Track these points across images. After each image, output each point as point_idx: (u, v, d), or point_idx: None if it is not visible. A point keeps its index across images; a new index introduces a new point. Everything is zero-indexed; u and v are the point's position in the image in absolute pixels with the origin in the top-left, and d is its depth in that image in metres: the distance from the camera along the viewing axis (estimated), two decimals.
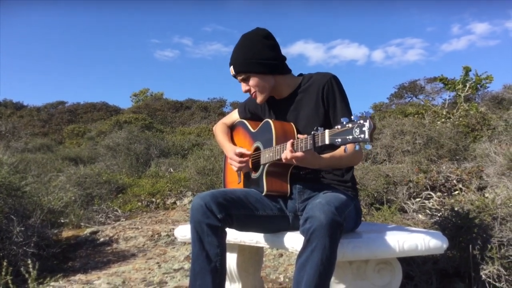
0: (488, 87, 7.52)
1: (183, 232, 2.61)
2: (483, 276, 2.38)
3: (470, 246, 2.43)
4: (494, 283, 2.37)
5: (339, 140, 1.65)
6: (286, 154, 1.88)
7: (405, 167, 5.09)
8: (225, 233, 2.03)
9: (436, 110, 7.13)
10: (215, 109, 27.27)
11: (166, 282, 3.56)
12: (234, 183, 2.47)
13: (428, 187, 4.99)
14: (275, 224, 2.16)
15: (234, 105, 28.46)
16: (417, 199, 4.96)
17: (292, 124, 2.20)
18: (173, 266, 4.00)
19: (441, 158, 5.16)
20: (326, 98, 2.13)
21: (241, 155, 2.26)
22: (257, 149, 2.27)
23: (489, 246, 2.40)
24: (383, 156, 5.50)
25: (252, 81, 2.19)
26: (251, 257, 2.70)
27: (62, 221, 6.29)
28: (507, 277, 2.37)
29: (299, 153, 1.86)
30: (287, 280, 3.43)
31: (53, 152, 12.90)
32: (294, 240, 1.98)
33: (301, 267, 1.73)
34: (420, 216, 4.53)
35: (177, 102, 30.73)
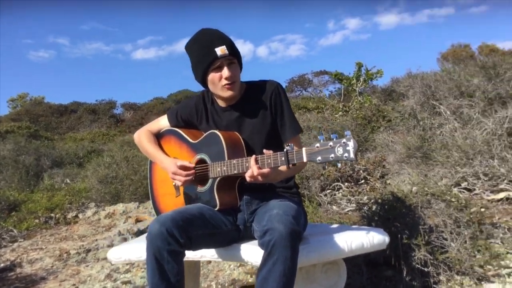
0: (377, 80, 8.17)
1: (118, 254, 2.46)
2: (413, 262, 2.56)
3: (399, 236, 2.61)
4: (422, 268, 2.57)
5: (320, 158, 1.68)
6: (253, 171, 1.84)
7: None
8: (184, 256, 1.93)
9: (334, 104, 7.55)
10: (104, 111, 26.08)
11: None
12: (170, 196, 2.36)
13: (338, 178, 5.24)
14: (228, 237, 2.11)
15: (125, 106, 27.44)
16: (328, 191, 5.20)
17: (238, 134, 2.17)
18: (93, 287, 3.76)
19: None
20: (274, 106, 2.14)
21: (184, 168, 2.17)
22: (200, 161, 2.20)
23: (416, 234, 2.59)
24: None
25: (235, 70, 2.11)
26: (190, 271, 2.63)
27: None
28: (432, 261, 2.58)
29: (265, 170, 1.85)
30: (219, 286, 3.40)
31: None
32: (250, 253, 1.96)
33: (263, 281, 1.72)
34: (334, 207, 4.76)
35: (61, 106, 28.96)
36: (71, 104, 29.38)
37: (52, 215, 7.25)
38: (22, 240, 6.31)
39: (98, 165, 8.47)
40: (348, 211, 4.56)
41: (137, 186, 7.53)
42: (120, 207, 7.21)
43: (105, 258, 4.90)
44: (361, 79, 7.43)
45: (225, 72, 2.07)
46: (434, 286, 2.59)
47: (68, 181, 9.14)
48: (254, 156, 1.87)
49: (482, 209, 3.76)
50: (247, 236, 2.15)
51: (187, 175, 2.13)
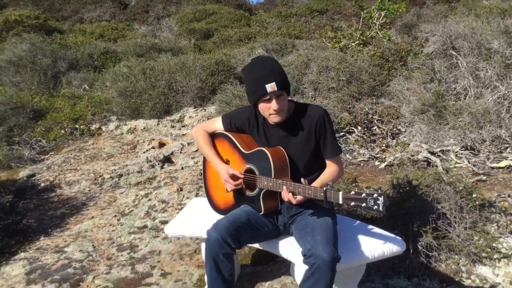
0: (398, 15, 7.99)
1: (173, 229, 2.94)
2: (420, 247, 3.05)
3: (410, 224, 3.07)
4: (427, 252, 3.06)
5: (353, 203, 2.04)
6: (290, 199, 2.30)
7: (331, 104, 5.61)
8: (235, 253, 2.43)
9: (351, 33, 7.56)
10: None
11: (137, 246, 3.89)
12: (221, 190, 2.77)
13: (351, 122, 5.59)
14: (269, 236, 2.60)
15: None
16: (341, 133, 5.58)
17: (283, 150, 2.51)
18: (135, 223, 4.29)
19: (361, 95, 5.73)
20: (318, 131, 2.47)
21: (234, 177, 2.56)
22: (249, 170, 2.58)
23: (425, 220, 3.05)
24: (311, 91, 5.94)
25: (283, 101, 2.40)
26: None
27: None
28: (436, 246, 3.06)
29: (299, 197, 2.29)
30: None
31: None
32: (287, 250, 2.51)
33: None
34: (347, 156, 5.17)
35: None
36: None
37: (77, 126, 7.69)
38: (52, 153, 6.82)
39: (115, 74, 8.70)
40: (360, 161, 4.99)
41: (155, 102, 7.83)
42: (141, 123, 7.61)
43: (136, 185, 5.44)
44: (383, 13, 7.36)
45: (274, 105, 2.38)
46: (435, 264, 3.10)
47: (87, 86, 9.40)
48: (290, 189, 2.31)
49: (484, 178, 4.20)
50: (285, 233, 2.63)
51: (236, 185, 2.57)
